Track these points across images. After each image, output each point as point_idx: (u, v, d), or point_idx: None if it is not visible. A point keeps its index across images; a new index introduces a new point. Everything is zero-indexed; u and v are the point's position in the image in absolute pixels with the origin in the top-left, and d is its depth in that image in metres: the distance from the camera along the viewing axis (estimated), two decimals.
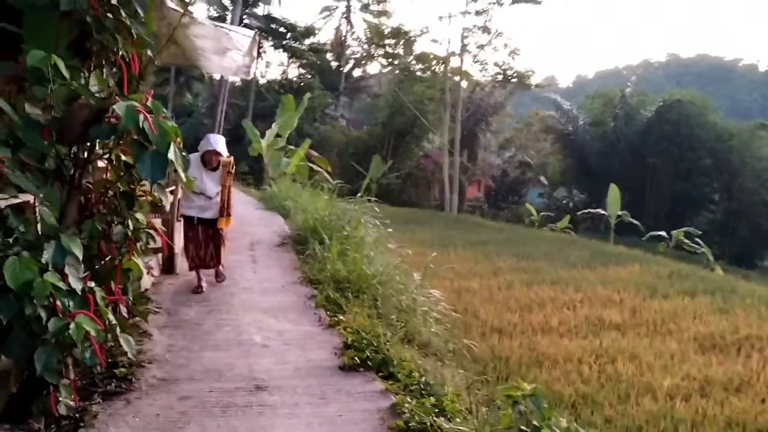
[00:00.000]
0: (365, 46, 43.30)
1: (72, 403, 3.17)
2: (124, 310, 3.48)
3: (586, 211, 29.59)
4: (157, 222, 6.82)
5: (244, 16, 39.59)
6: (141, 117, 3.03)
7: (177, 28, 4.60)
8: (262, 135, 18.68)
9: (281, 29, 41.65)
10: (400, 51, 38.94)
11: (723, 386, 6.29)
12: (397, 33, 37.47)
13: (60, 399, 3.06)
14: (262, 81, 42.86)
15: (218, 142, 6.09)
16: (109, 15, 3.32)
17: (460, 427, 3.25)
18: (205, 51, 7.61)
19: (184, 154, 3.33)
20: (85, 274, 3.14)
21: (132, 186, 3.45)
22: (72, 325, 2.79)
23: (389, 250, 8.07)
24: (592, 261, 14.73)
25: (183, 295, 5.75)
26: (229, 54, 7.35)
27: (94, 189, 3.41)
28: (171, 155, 3.15)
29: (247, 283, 6.43)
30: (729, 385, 6.30)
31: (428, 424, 3.24)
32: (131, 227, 3.31)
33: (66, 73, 3.03)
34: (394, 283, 6.44)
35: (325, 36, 50.47)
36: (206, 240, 6.17)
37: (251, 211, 11.93)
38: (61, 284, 2.75)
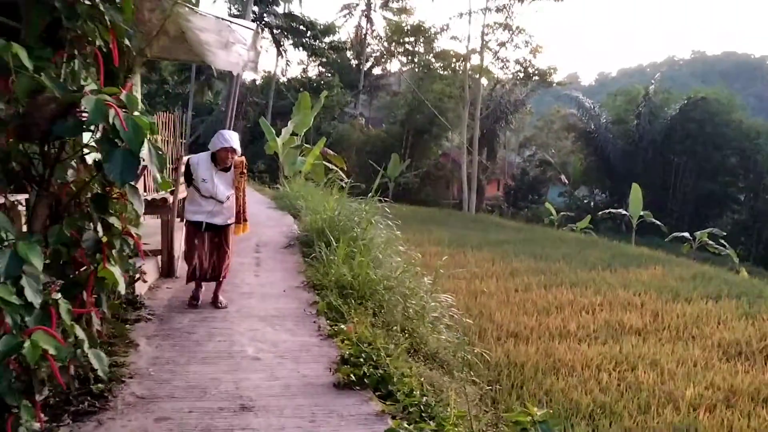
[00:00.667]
0: (385, 44, 42.99)
1: (37, 425, 2.90)
2: (97, 322, 3.21)
3: (607, 211, 28.97)
4: (156, 223, 6.64)
5: (264, 14, 39.56)
6: (112, 112, 2.73)
7: (169, 16, 4.31)
8: (279, 133, 18.47)
9: (301, 27, 41.52)
10: (420, 48, 38.69)
11: (749, 396, 6.00)
12: (417, 30, 37.29)
13: (21, 422, 2.78)
14: (282, 79, 42.88)
15: (232, 139, 5.44)
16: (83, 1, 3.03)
17: None
18: (210, 45, 7.35)
19: (161, 152, 3.04)
20: (50, 285, 2.87)
21: (107, 188, 3.16)
22: (27, 343, 2.50)
23: (401, 252, 7.77)
24: (613, 262, 14.41)
25: (179, 301, 5.48)
26: (234, 48, 7.06)
27: (65, 191, 3.12)
28: (144, 154, 2.87)
29: (247, 287, 6.14)
30: (756, 396, 6.00)
31: None
32: (101, 233, 3.02)
33: (29, 64, 2.74)
34: (403, 288, 6.12)
35: (344, 34, 50.23)
36: (211, 249, 5.53)
37: (262, 210, 11.68)
38: (13, 298, 2.47)
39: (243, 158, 5.57)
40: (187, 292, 5.71)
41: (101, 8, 3.04)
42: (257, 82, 44.03)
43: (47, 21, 3.13)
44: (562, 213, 30.76)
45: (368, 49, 46.22)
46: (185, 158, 5.95)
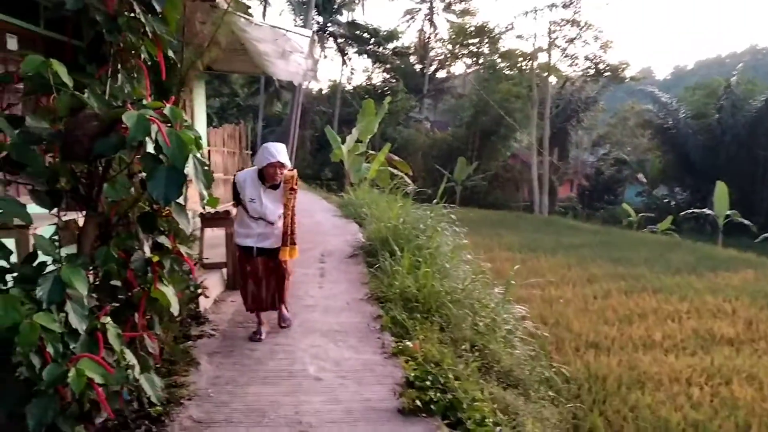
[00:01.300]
0: (449, 47, 42.66)
1: None
2: (151, 344, 3.08)
3: (690, 210, 27.48)
4: (220, 234, 6.60)
5: (328, 24, 40.06)
6: (154, 127, 2.59)
7: (220, 27, 4.20)
8: (344, 141, 18.51)
9: (365, 35, 41.84)
10: (485, 49, 38.17)
11: None
12: (481, 31, 36.89)
13: None
14: (347, 87, 43.31)
15: (280, 152, 4.75)
16: (125, 13, 2.91)
17: None
18: (270, 56, 7.32)
19: (207, 167, 2.87)
20: (100, 308, 2.76)
21: (154, 206, 3.03)
22: (72, 372, 2.38)
23: (469, 261, 7.46)
24: (699, 266, 13.69)
25: (243, 315, 5.36)
26: (292, 58, 7.00)
27: (114, 210, 3.01)
28: (189, 170, 2.71)
29: (311, 300, 5.97)
30: None
31: None
32: (148, 253, 2.89)
33: (68, 80, 2.63)
34: (471, 300, 5.80)
35: (408, 39, 50.16)
36: (267, 275, 4.97)
37: (327, 218, 11.60)
38: (54, 326, 2.35)
39: (294, 172, 4.89)
40: None
41: (142, 20, 2.91)
42: (323, 91, 44.65)
43: (91, 35, 3.05)
44: (641, 214, 29.55)
45: (432, 53, 46.02)
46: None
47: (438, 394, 3.50)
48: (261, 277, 4.96)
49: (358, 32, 41.57)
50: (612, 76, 34.45)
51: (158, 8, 2.99)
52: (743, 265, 14.21)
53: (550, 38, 32.98)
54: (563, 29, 32.89)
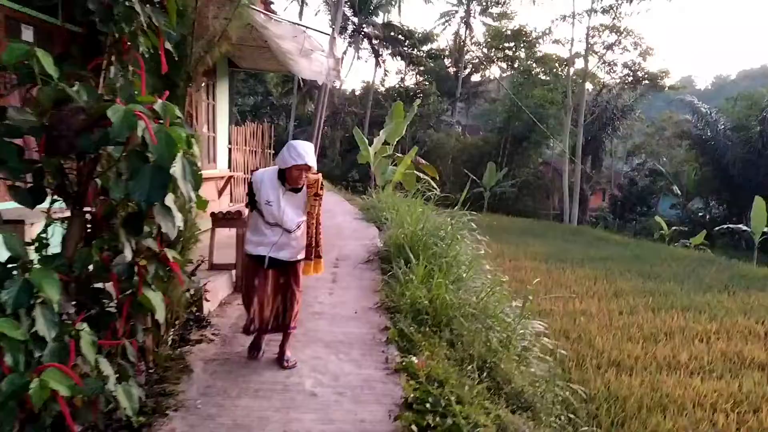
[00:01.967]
0: (484, 50, 42.23)
1: None
2: (132, 353, 2.92)
3: (725, 225, 26.63)
4: (230, 233, 6.46)
5: (363, 25, 40.02)
6: (141, 123, 2.43)
7: (230, 21, 4.05)
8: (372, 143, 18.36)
9: (399, 36, 41.70)
10: (521, 54, 37.71)
11: None
12: (518, 35, 36.49)
13: None
14: (380, 89, 43.23)
15: (308, 153, 4.14)
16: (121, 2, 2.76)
17: None
18: (292, 54, 7.18)
19: (197, 168, 2.70)
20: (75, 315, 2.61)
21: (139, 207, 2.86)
22: (34, 383, 2.22)
23: (488, 271, 7.20)
24: (731, 284, 13.23)
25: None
26: (314, 56, 6.85)
27: (100, 210, 2.86)
28: (176, 170, 2.54)
29: (319, 306, 5.78)
30: None
31: None
32: (130, 256, 2.73)
33: (53, 71, 2.49)
34: (487, 313, 5.55)
35: (443, 42, 49.77)
36: (276, 291, 4.37)
37: (348, 221, 11.41)
38: (16, 333, 2.19)
39: (319, 176, 4.32)
40: None
41: (138, 9, 2.75)
42: (356, 93, 44.64)
43: (85, 24, 2.91)
44: (674, 227, 28.78)
45: (467, 57, 45.59)
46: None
47: (437, 419, 3.28)
48: (269, 294, 4.35)
49: (392, 33, 41.45)
50: (651, 84, 33.70)
51: None
52: None
53: (588, 44, 32.38)
54: (602, 35, 32.31)
